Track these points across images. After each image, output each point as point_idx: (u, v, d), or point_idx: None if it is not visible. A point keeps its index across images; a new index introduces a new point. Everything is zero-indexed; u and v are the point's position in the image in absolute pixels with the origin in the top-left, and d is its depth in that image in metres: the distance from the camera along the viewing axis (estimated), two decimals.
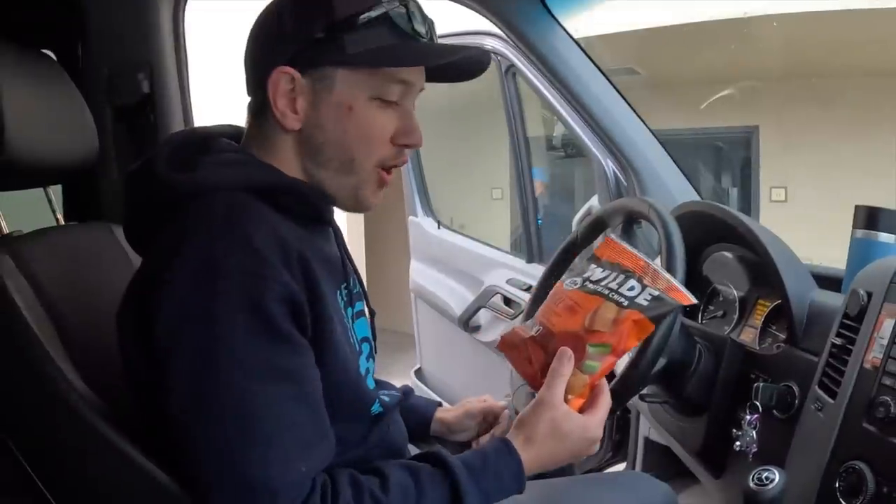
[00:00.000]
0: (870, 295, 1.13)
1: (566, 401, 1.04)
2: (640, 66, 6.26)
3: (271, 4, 1.07)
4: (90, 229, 1.38)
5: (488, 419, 1.40)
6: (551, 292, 1.18)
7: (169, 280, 0.92)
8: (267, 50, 1.05)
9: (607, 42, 5.66)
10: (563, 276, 1.19)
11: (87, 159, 1.35)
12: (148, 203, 1.04)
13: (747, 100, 6.42)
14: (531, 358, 1.10)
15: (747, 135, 6.96)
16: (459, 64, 1.09)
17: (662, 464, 1.99)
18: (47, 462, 1.04)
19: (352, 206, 1.10)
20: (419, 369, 3.16)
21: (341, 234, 1.16)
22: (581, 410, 1.05)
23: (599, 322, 1.05)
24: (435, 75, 1.10)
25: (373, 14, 1.01)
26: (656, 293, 1.07)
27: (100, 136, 1.39)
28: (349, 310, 1.10)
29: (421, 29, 1.04)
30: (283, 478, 0.88)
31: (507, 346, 1.15)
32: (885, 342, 1.06)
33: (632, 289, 1.08)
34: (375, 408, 1.10)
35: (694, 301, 1.08)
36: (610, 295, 1.08)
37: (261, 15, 1.07)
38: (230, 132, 1.13)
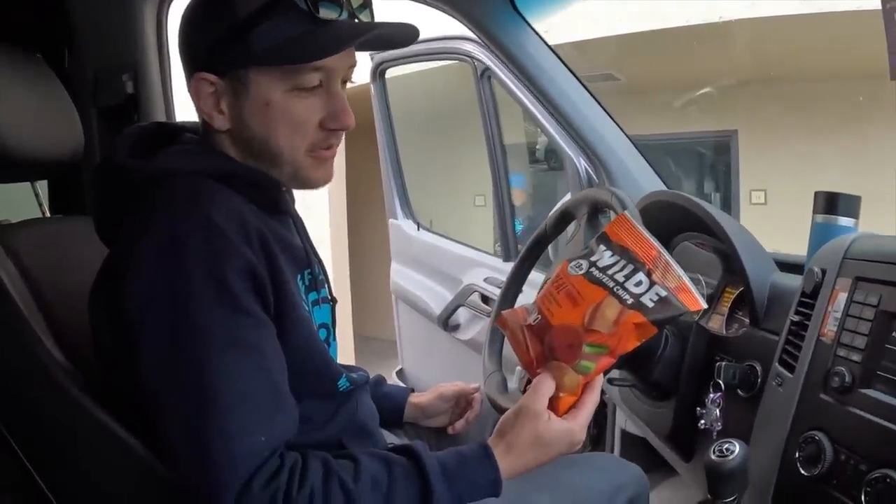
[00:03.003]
0: (824, 272, 1.17)
1: (557, 398, 1.03)
2: (619, 71, 6.32)
3: (185, 10, 1.09)
4: (75, 222, 1.44)
5: (461, 403, 1.42)
6: (555, 272, 1.09)
7: (135, 259, 0.95)
8: (186, 57, 1.09)
9: (586, 48, 5.71)
10: (570, 256, 1.11)
11: (73, 156, 1.40)
12: (113, 193, 1.07)
13: (725, 104, 6.48)
14: (528, 345, 1.05)
15: (727, 139, 7.03)
16: (388, 34, 1.09)
17: (640, 456, 2.01)
18: (34, 436, 1.10)
19: (301, 187, 1.13)
20: (401, 370, 3.17)
21: (302, 224, 1.19)
22: (568, 409, 1.04)
23: (599, 321, 1.00)
24: (362, 46, 1.09)
25: (274, 5, 1.01)
26: (664, 294, 1.00)
27: (85, 134, 1.44)
28: (312, 294, 1.13)
29: (329, 11, 1.03)
30: (241, 447, 0.91)
31: (506, 326, 1.10)
32: (838, 315, 1.10)
33: (639, 284, 1.01)
34: (342, 383, 1.13)
35: (704, 306, 1.02)
36: (615, 289, 1.02)
37: (179, 24, 1.10)
38: (194, 128, 1.17)
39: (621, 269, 1.03)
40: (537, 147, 3.79)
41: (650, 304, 1.00)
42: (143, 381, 0.95)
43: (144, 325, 0.94)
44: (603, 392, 2.02)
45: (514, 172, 5.91)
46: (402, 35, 1.11)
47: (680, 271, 1.03)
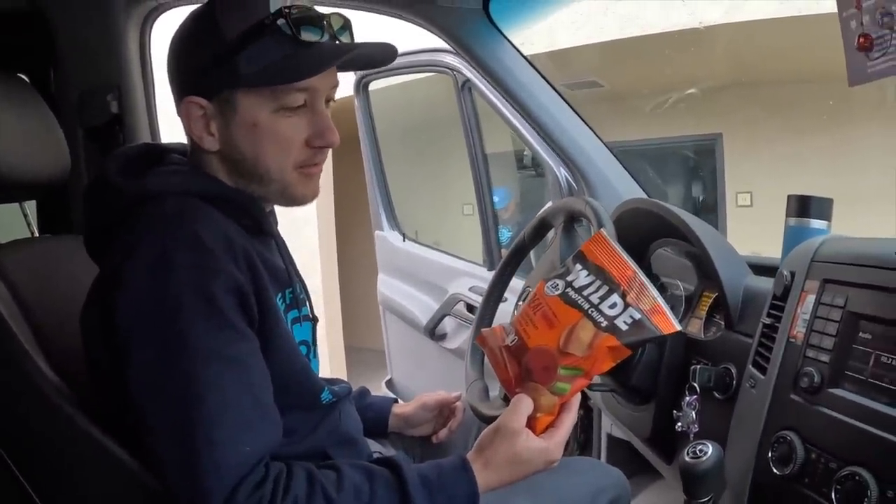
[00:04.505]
0: (793, 274, 1.19)
1: (535, 418, 1.04)
2: (602, 78, 6.36)
3: (173, 36, 1.13)
4: (63, 241, 1.46)
5: (444, 412, 1.44)
6: (532, 292, 1.11)
7: (126, 275, 0.98)
8: (176, 82, 1.12)
9: (569, 56, 5.75)
10: (547, 275, 1.12)
11: (60, 176, 1.43)
12: (103, 211, 1.10)
13: (709, 108, 6.52)
14: (506, 365, 1.07)
15: (711, 142, 7.07)
16: (368, 54, 1.14)
17: (626, 459, 2.03)
18: (25, 452, 1.11)
19: (289, 204, 1.17)
20: (390, 380, 3.19)
21: (284, 244, 1.22)
22: (546, 428, 1.06)
23: (574, 344, 1.01)
24: (344, 66, 1.13)
25: (258, 30, 1.05)
26: (638, 317, 1.01)
27: (71, 155, 1.47)
28: (293, 312, 1.16)
29: (311, 34, 1.07)
30: (227, 456, 0.93)
31: (485, 345, 1.12)
32: (807, 317, 1.12)
33: (613, 306, 1.03)
34: (325, 395, 1.16)
35: (678, 328, 1.02)
36: (589, 311, 1.03)
37: (168, 49, 1.13)
38: (181, 149, 1.20)
39: (596, 290, 1.05)
40: (525, 154, 3.81)
41: (624, 328, 1.01)
42: (133, 394, 0.97)
43: (133, 339, 0.97)
44: (588, 397, 2.05)
45: (497, 186, 5.95)
46: (381, 54, 1.15)
47: (655, 293, 1.04)
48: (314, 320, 1.24)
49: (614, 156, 2.12)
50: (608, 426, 2.11)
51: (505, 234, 4.50)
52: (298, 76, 1.06)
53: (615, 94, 6.67)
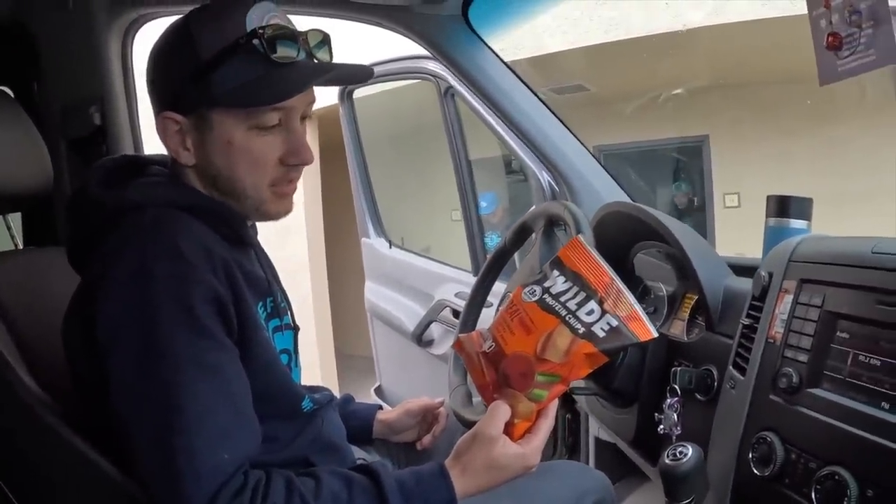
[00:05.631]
0: (771, 275, 1.20)
1: (512, 424, 1.04)
2: (588, 82, 6.38)
3: (151, 50, 1.13)
4: (47, 253, 1.46)
5: (428, 418, 1.44)
6: (510, 298, 1.11)
7: (106, 285, 0.99)
8: (153, 96, 1.13)
9: (554, 61, 5.77)
10: (525, 281, 1.11)
11: (44, 188, 1.43)
12: (85, 223, 1.11)
13: (695, 110, 6.55)
14: (483, 371, 1.07)
15: (698, 144, 7.10)
16: (344, 74, 1.15)
17: (614, 463, 2.03)
18: (9, 464, 1.12)
19: (263, 219, 1.18)
20: (379, 387, 3.18)
21: (265, 254, 1.23)
22: (523, 434, 1.06)
23: (551, 351, 1.01)
24: (319, 83, 1.12)
25: (232, 49, 1.05)
26: (615, 323, 1.01)
27: (55, 167, 1.47)
28: (274, 321, 1.17)
29: (287, 51, 1.06)
30: (206, 463, 0.94)
31: (463, 351, 1.12)
32: (785, 317, 1.13)
33: (591, 312, 1.02)
34: (306, 404, 1.17)
35: (655, 335, 1.02)
36: (566, 317, 1.02)
37: (146, 64, 1.13)
38: (162, 160, 1.20)
39: (574, 297, 1.04)
40: (513, 159, 3.82)
41: (601, 334, 1.01)
42: (114, 403, 0.98)
43: (114, 348, 0.98)
44: (575, 401, 2.05)
45: (486, 191, 5.96)
46: (358, 74, 1.16)
47: (632, 299, 1.04)
48: (296, 329, 1.24)
49: (596, 159, 2.13)
50: (596, 429, 2.11)
51: (493, 240, 4.50)
52: (270, 99, 1.06)
53: (602, 98, 6.69)
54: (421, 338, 2.71)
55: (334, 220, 7.08)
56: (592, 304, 1.03)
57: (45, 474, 1.12)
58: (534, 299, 1.06)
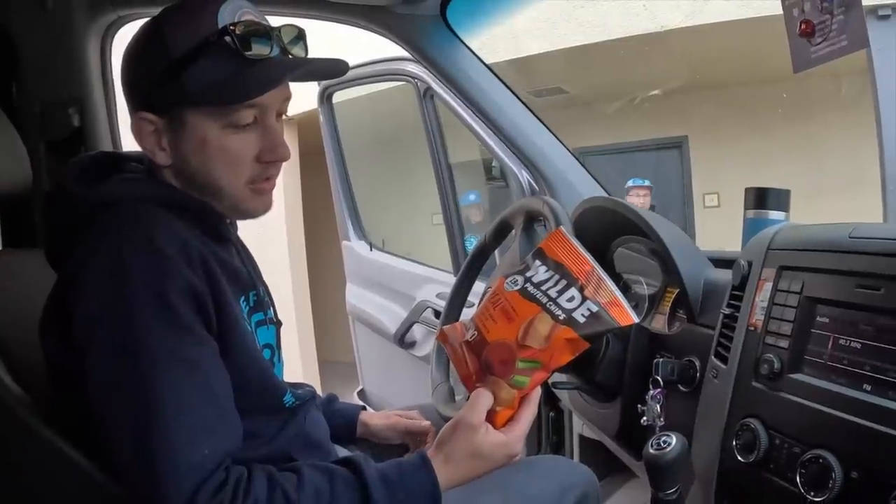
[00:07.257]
0: (750, 263, 1.20)
1: (494, 412, 1.04)
2: (567, 84, 6.40)
3: (125, 50, 1.12)
4: (27, 254, 1.44)
5: (416, 440, 1.44)
6: (492, 289, 1.12)
7: (82, 281, 0.98)
8: (127, 97, 1.12)
9: (532, 63, 5.79)
10: (507, 272, 1.13)
11: (22, 190, 1.41)
12: (62, 220, 1.10)
13: (673, 111, 6.59)
14: (467, 361, 1.07)
15: (678, 145, 7.14)
16: (318, 69, 1.13)
17: (599, 460, 2.03)
18: None
19: (241, 217, 1.17)
20: (362, 390, 3.17)
21: (245, 249, 1.22)
22: (506, 422, 1.06)
23: (532, 337, 1.02)
24: (293, 78, 1.12)
25: (203, 46, 1.04)
26: (595, 309, 1.03)
27: (34, 168, 1.45)
28: (257, 315, 1.16)
29: (260, 48, 1.05)
30: (186, 460, 0.92)
31: (446, 342, 1.13)
32: (765, 304, 1.13)
33: (571, 299, 1.04)
34: (287, 399, 1.15)
35: (636, 320, 1.04)
36: (547, 305, 1.04)
37: (120, 64, 1.12)
38: (138, 157, 1.19)
39: (555, 285, 1.06)
40: (493, 164, 3.82)
41: (581, 320, 1.02)
42: (92, 399, 0.96)
43: (91, 344, 0.96)
44: (559, 399, 2.04)
45: (470, 189, 5.97)
46: (331, 68, 1.14)
47: (612, 286, 1.05)
48: (278, 324, 1.23)
49: (575, 157, 2.13)
50: (580, 427, 2.11)
51: (472, 243, 4.49)
52: (243, 96, 1.06)
53: (580, 100, 6.72)
54: (403, 339, 2.71)
55: (314, 224, 7.06)
56: (573, 292, 1.04)
57: (27, 475, 1.10)
58: (516, 288, 1.08)
